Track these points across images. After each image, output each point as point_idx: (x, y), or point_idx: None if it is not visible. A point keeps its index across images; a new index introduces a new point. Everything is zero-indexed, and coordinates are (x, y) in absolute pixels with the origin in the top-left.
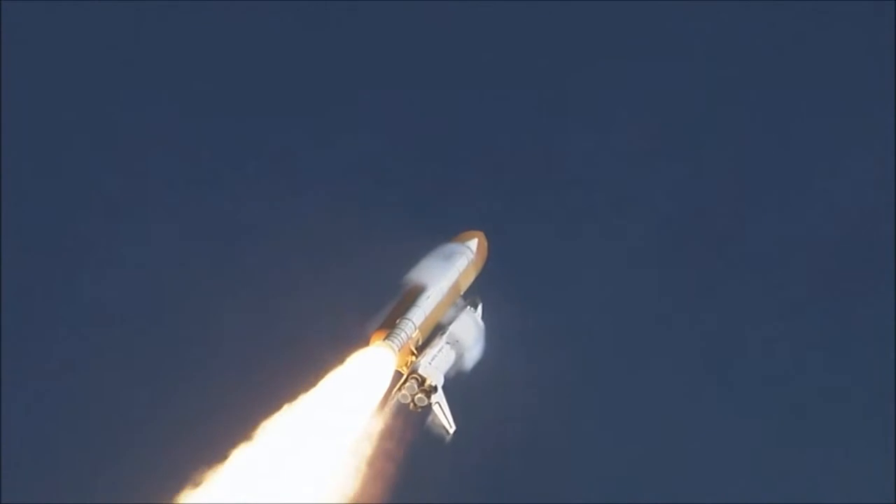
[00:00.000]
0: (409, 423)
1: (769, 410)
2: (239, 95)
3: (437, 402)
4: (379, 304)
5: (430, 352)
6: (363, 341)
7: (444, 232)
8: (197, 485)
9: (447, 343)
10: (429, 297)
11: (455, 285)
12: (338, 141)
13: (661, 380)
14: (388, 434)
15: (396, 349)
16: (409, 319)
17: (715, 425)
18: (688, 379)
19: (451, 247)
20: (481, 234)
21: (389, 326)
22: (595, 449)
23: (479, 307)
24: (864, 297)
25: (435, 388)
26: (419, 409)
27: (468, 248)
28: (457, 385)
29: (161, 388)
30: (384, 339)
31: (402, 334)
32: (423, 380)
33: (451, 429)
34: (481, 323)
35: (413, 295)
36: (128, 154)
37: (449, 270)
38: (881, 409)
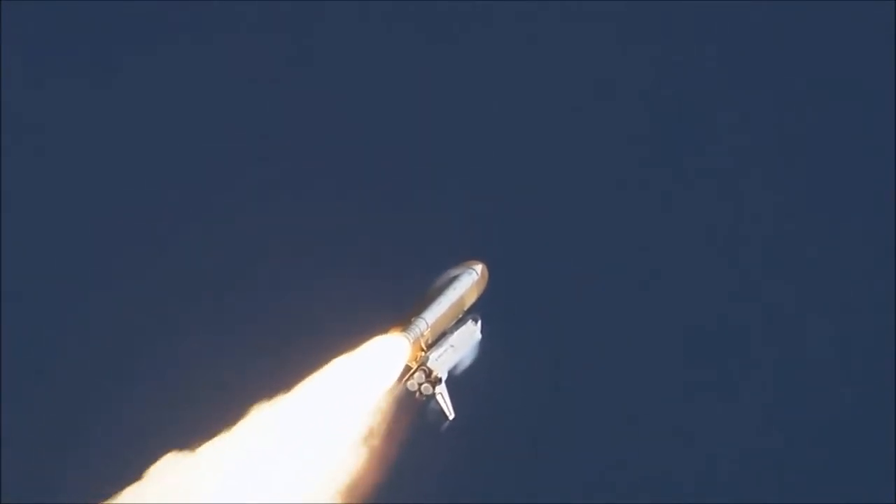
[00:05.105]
0: (412, 408)
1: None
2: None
3: (440, 393)
4: (397, 308)
5: (438, 350)
6: (382, 331)
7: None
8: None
9: (451, 346)
10: (440, 304)
11: (461, 299)
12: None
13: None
14: (394, 414)
15: (411, 340)
16: (422, 318)
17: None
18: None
19: (460, 269)
20: (483, 264)
21: (405, 323)
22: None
23: (479, 322)
24: None
25: (440, 380)
26: (423, 398)
27: (474, 270)
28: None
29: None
30: (401, 332)
31: (416, 329)
32: (431, 372)
33: (451, 416)
34: (479, 335)
35: (426, 301)
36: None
37: (457, 285)
38: None
